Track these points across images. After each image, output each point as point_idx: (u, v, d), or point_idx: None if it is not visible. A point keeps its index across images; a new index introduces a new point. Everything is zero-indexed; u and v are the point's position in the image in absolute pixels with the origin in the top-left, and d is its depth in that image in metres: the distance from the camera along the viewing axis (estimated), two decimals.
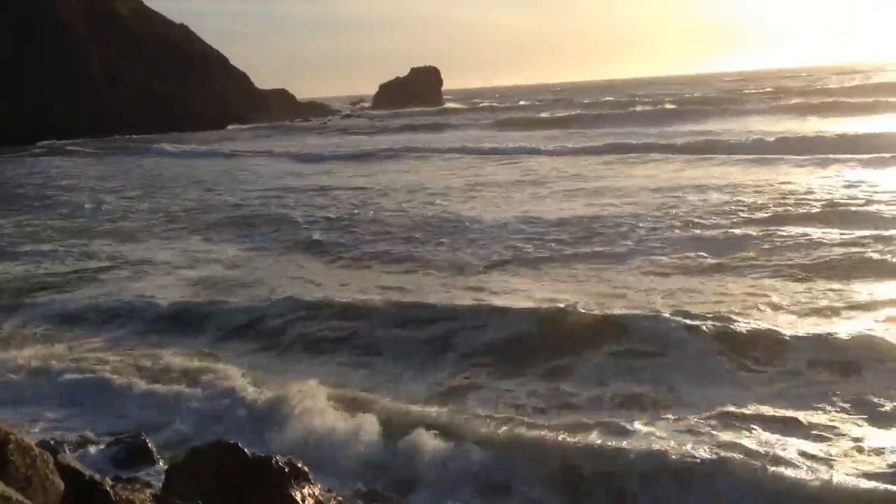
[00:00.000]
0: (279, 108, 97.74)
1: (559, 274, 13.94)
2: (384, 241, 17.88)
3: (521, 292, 12.71)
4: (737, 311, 10.73)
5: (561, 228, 17.49)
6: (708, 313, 10.45)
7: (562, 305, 11.39)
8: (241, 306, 12.98)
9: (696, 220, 17.43)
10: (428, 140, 50.03)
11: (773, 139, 33.88)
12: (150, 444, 8.38)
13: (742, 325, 9.94)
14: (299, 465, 6.90)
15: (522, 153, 36.13)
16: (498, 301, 12.10)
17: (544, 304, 11.67)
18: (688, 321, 10.06)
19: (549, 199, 22.51)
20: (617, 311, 10.91)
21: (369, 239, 18.19)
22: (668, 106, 66.01)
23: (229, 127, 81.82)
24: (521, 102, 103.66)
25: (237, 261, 17.03)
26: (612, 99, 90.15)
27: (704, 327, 9.89)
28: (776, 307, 10.95)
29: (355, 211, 22.57)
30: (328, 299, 12.80)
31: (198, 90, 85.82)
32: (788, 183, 22.14)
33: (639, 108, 66.71)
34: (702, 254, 14.26)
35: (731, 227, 16.47)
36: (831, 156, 26.95)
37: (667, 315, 10.47)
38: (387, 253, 16.53)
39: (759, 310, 10.86)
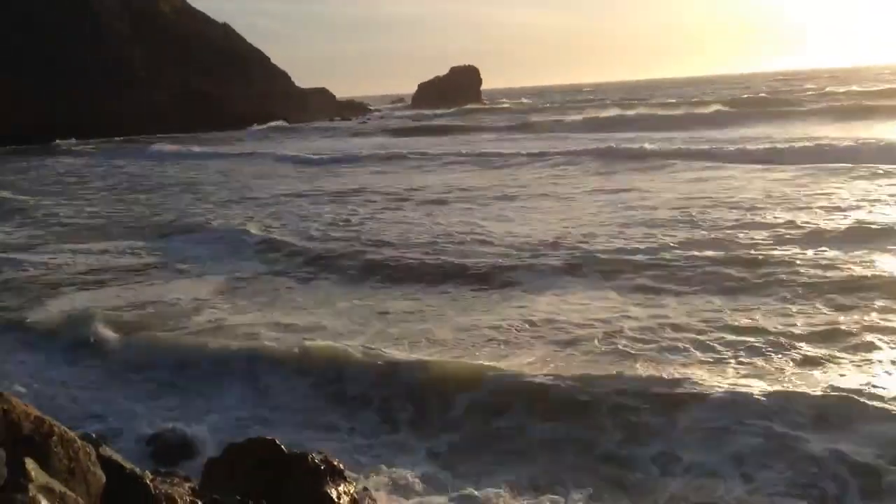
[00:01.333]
0: (319, 107, 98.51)
1: None
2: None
3: None
4: None
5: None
6: None
7: None
8: None
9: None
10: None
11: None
12: (190, 438, 8.50)
13: None
14: (335, 463, 6.95)
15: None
16: None
17: None
18: None
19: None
20: None
21: None
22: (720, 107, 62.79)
23: (255, 126, 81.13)
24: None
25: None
26: (676, 100, 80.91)
27: None
28: None
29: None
30: None
31: (239, 89, 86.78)
32: None
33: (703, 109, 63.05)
34: None
35: None
36: None
37: None
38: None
39: None
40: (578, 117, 62.81)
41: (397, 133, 65.33)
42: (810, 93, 79.82)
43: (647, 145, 34.38)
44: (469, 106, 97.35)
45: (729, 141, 36.17)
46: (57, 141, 67.05)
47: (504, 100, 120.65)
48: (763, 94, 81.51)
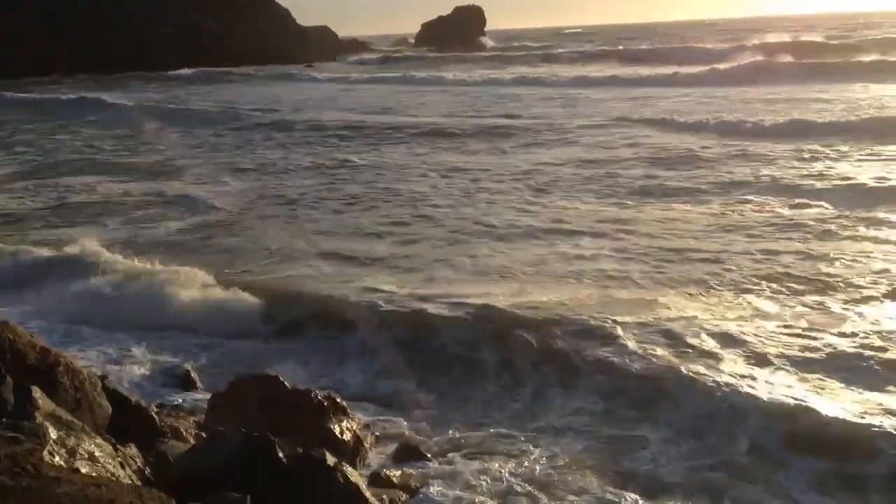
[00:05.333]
0: (320, 46, 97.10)
1: None
2: None
3: None
4: None
5: None
6: None
7: None
8: None
9: None
10: None
11: None
12: (192, 374, 8.54)
13: None
14: (338, 400, 7.00)
15: None
16: None
17: None
18: None
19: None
20: None
21: None
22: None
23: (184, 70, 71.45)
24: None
25: None
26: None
27: None
28: None
29: None
30: None
31: (239, 26, 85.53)
32: None
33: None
34: None
35: None
36: None
37: None
38: None
39: None
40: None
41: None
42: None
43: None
44: (453, 53, 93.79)
45: None
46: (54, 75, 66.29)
47: (514, 44, 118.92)
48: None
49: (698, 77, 39.67)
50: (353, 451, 6.51)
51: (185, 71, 69.63)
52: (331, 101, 39.51)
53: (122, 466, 4.15)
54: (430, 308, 9.65)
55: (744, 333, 8.52)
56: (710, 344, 8.33)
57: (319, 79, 59.27)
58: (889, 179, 15.43)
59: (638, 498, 6.05)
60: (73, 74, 68.59)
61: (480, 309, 9.46)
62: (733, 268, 10.72)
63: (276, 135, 27.62)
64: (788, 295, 9.64)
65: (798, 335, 8.46)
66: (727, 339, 8.40)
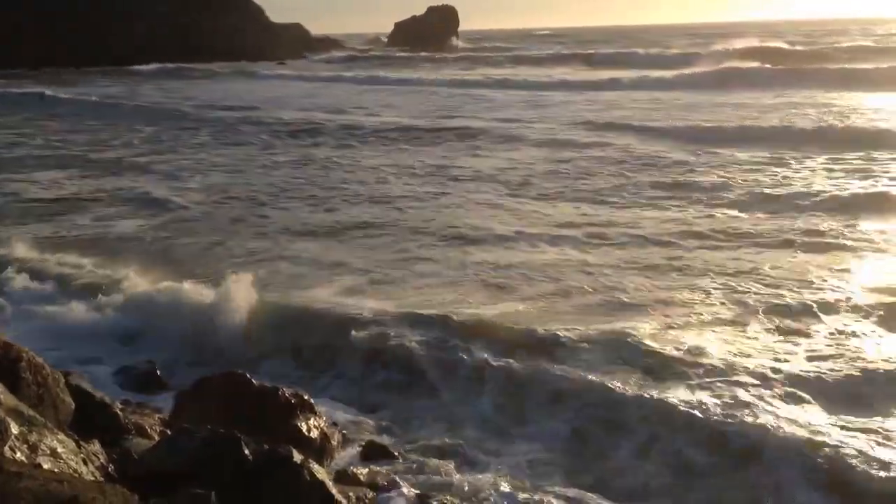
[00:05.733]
0: (292, 43, 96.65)
1: None
2: None
3: None
4: None
5: None
6: None
7: None
8: None
9: None
10: None
11: None
12: (158, 371, 8.47)
13: None
14: (305, 398, 6.97)
15: None
16: None
17: None
18: None
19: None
20: None
21: None
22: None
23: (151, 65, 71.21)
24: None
25: None
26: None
27: None
28: None
29: None
30: None
31: (211, 22, 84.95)
32: None
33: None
34: None
35: None
36: None
37: None
38: None
39: None
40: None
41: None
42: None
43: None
44: (424, 54, 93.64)
45: None
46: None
47: (482, 44, 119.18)
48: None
49: (663, 82, 40.15)
50: (320, 449, 6.50)
51: (147, 66, 69.03)
52: (296, 99, 39.36)
53: (85, 463, 4.11)
54: (393, 311, 9.56)
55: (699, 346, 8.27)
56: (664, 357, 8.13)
57: (288, 76, 59.36)
58: (849, 188, 15.54)
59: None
60: (40, 68, 67.79)
61: (445, 314, 9.37)
62: (696, 274, 10.60)
63: (238, 132, 27.43)
64: (750, 311, 9.32)
65: (763, 350, 8.31)
66: (673, 354, 8.14)
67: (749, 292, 9.90)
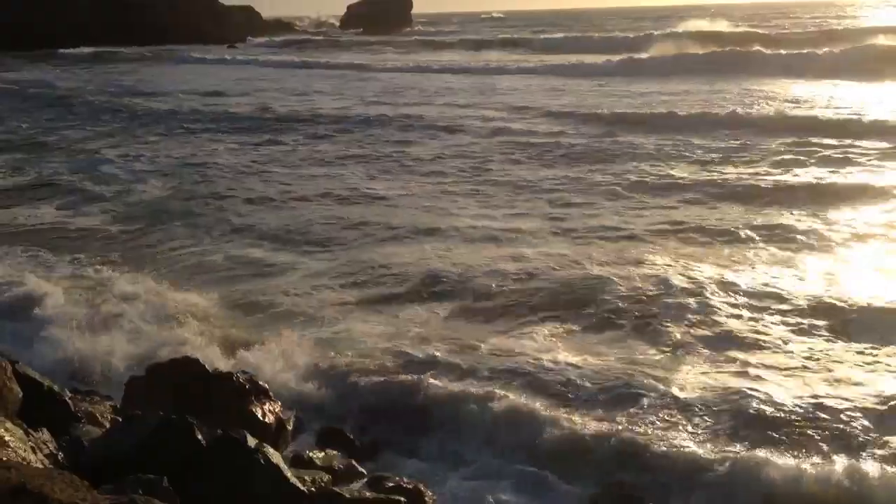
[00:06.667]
0: (243, 26, 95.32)
1: None
2: None
3: None
4: None
5: None
6: None
7: None
8: None
9: None
10: None
11: None
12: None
13: None
14: (260, 383, 6.93)
15: None
16: None
17: None
18: None
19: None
20: None
21: None
22: None
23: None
24: None
25: None
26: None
27: None
28: None
29: None
30: None
31: (160, 3, 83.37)
32: None
33: None
34: None
35: None
36: None
37: None
38: None
39: None
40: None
41: None
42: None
43: None
44: (375, 37, 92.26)
45: None
46: None
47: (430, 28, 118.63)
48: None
49: (609, 67, 39.50)
50: (275, 434, 6.46)
51: (76, 50, 67.37)
52: (232, 86, 38.50)
53: (34, 451, 4.05)
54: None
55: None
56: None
57: (210, 61, 58.46)
58: (770, 175, 15.46)
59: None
60: None
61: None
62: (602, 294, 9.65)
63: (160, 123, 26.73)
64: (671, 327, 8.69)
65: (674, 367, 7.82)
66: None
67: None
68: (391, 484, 5.73)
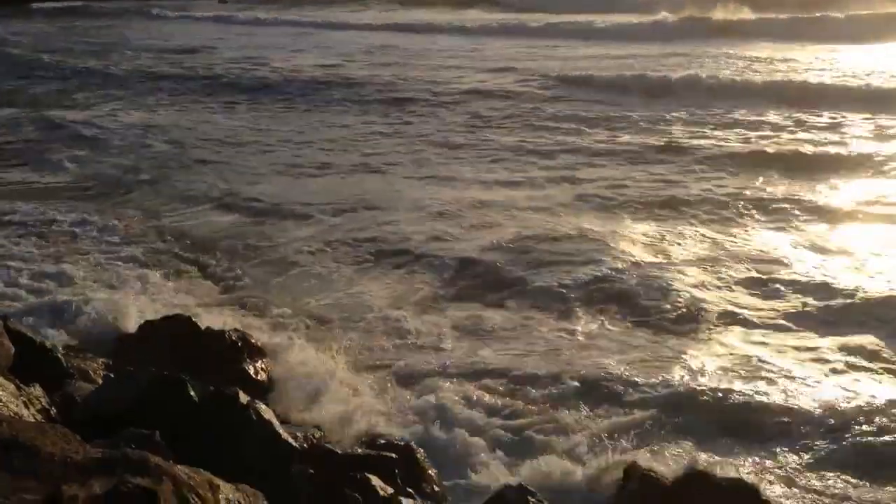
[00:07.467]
0: None
1: None
2: None
3: None
4: None
5: None
6: None
7: None
8: None
9: None
10: None
11: None
12: None
13: None
14: (252, 340, 6.96)
15: None
16: None
17: None
18: None
19: None
20: None
21: None
22: None
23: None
24: None
25: None
26: None
27: None
28: None
29: None
30: None
31: None
32: None
33: None
34: None
35: None
36: None
37: None
38: None
39: None
40: None
41: None
42: None
43: None
44: None
45: None
46: None
47: None
48: None
49: (608, 31, 37.44)
50: (267, 391, 6.52)
51: (43, 4, 64.36)
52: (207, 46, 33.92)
53: (27, 406, 4.07)
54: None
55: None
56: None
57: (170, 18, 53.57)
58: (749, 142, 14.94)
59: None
60: None
61: None
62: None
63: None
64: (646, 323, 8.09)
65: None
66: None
67: None
68: (383, 441, 5.79)
